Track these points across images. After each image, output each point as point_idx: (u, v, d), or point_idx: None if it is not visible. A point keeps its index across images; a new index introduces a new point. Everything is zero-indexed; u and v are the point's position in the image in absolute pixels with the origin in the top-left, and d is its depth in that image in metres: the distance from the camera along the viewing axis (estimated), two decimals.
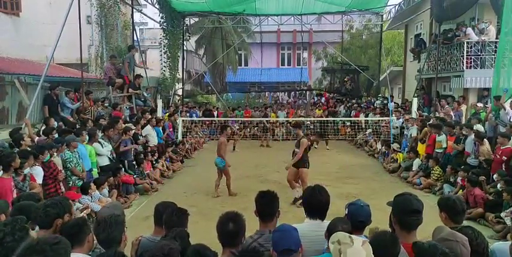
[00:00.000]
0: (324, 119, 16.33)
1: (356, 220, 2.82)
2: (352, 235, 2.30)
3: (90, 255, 2.83)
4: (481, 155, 8.18)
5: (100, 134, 8.32)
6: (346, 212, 2.90)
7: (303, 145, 7.66)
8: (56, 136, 7.49)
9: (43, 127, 8.28)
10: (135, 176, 8.95)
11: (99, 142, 8.17)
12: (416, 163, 10.04)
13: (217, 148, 8.44)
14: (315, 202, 3.03)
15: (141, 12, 18.20)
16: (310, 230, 2.88)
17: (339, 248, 2.19)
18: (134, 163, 9.37)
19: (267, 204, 3.00)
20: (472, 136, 8.44)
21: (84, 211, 6.31)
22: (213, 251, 2.56)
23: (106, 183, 7.55)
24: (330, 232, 2.63)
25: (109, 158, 8.32)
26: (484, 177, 7.60)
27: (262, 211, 2.99)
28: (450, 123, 9.79)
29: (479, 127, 9.14)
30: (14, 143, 6.46)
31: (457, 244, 2.40)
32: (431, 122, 10.52)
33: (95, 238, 2.90)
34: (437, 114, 11.81)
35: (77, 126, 8.71)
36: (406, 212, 2.55)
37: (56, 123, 8.32)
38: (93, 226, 2.83)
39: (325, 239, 2.63)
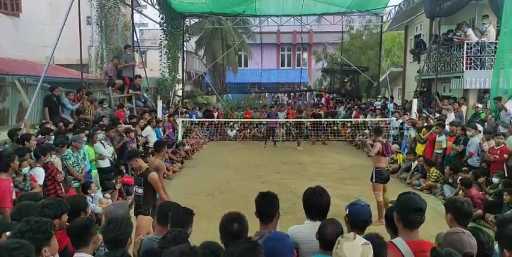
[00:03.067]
0: (324, 119, 16.35)
1: (358, 219, 2.83)
2: (358, 235, 2.30)
3: (93, 255, 2.85)
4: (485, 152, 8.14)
5: (100, 135, 8.29)
6: (347, 212, 2.90)
7: (154, 180, 4.84)
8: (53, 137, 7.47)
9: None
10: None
11: (102, 143, 8.16)
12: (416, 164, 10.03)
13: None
14: (315, 204, 3.04)
15: (141, 13, 18.17)
16: (310, 231, 2.87)
17: (339, 240, 2.22)
18: None
19: (267, 205, 3.00)
20: (477, 136, 8.43)
21: None
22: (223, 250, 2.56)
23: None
24: (320, 232, 2.65)
25: (110, 160, 8.28)
26: (483, 179, 7.60)
27: (262, 212, 2.99)
28: (454, 122, 9.76)
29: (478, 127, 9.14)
30: (21, 142, 6.45)
31: (464, 234, 2.42)
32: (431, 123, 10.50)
33: (100, 238, 2.92)
34: (437, 115, 11.80)
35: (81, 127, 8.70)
36: (409, 210, 2.56)
37: (52, 127, 8.24)
38: (103, 225, 2.85)
39: None
